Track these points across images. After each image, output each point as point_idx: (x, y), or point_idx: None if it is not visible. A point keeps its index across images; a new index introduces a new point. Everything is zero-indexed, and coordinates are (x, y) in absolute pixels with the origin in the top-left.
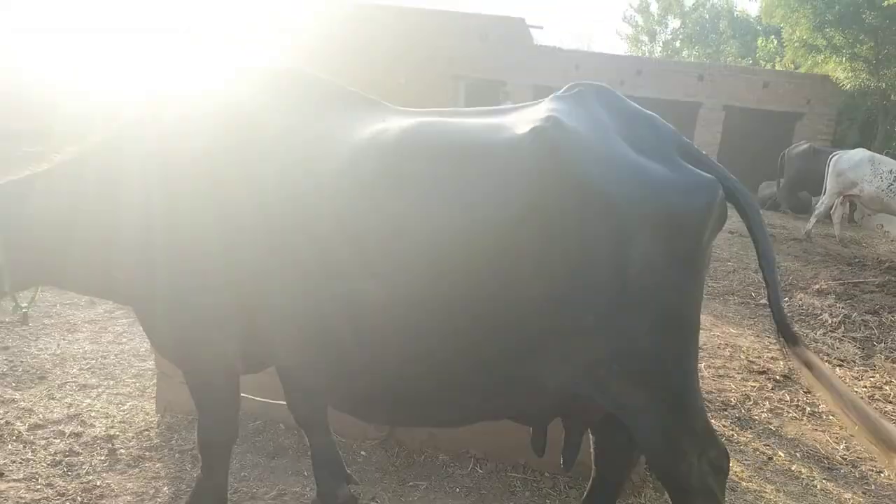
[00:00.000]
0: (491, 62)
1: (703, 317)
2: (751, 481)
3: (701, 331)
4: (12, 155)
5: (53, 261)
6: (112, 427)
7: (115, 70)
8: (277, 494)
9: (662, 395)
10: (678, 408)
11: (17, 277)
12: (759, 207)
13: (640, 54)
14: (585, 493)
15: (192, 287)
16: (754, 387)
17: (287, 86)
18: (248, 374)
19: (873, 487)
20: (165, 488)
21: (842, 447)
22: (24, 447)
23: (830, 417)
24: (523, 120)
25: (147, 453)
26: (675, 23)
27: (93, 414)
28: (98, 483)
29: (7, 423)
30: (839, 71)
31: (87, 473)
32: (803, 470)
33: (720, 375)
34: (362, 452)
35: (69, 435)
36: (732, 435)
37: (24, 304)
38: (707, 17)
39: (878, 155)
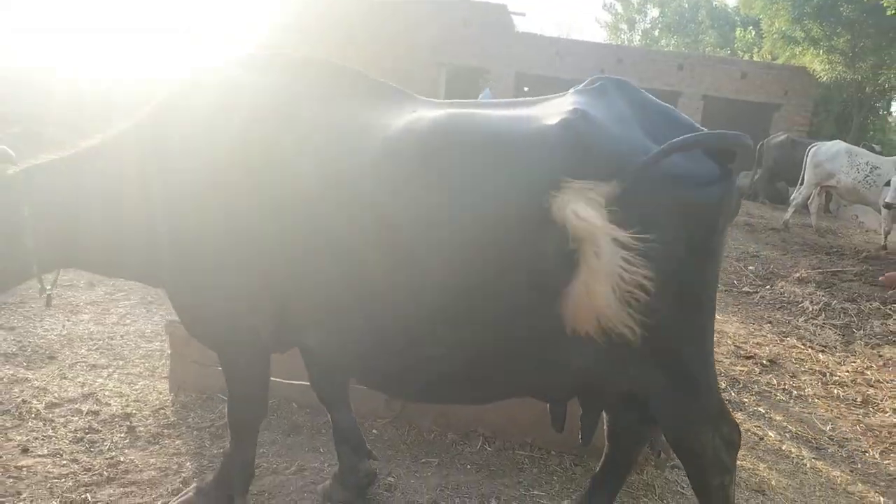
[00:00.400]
0: (473, 49)
1: None
2: (744, 460)
3: None
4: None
5: (84, 243)
6: (127, 406)
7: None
8: (297, 469)
9: (681, 374)
10: (695, 386)
11: (45, 260)
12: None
13: (619, 43)
14: (598, 468)
15: (227, 268)
16: (742, 371)
17: (316, 74)
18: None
19: (860, 466)
20: (188, 464)
21: (828, 428)
22: (45, 425)
23: (816, 401)
24: (551, 113)
25: (165, 430)
26: (654, 12)
27: (107, 393)
28: (122, 459)
29: (24, 401)
30: (816, 63)
31: (109, 450)
32: (793, 449)
33: None
34: (374, 430)
35: (87, 413)
36: None
37: (49, 287)
38: (686, 6)
39: (854, 147)
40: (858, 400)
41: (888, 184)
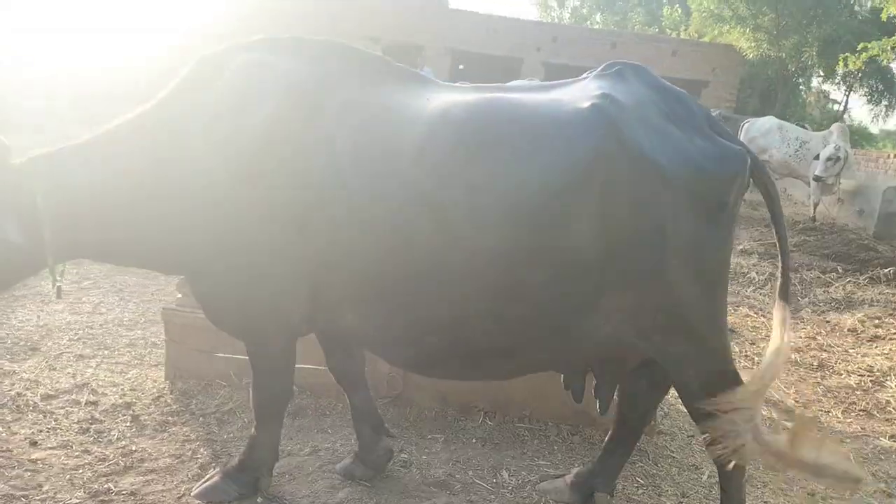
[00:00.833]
0: (406, 25)
1: None
2: None
3: None
4: None
5: (104, 233)
6: (125, 395)
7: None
8: (311, 451)
9: (700, 342)
10: (712, 354)
11: (60, 250)
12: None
13: (549, 20)
14: (608, 437)
15: (266, 253)
16: None
17: (341, 57)
18: None
19: (825, 425)
20: (202, 449)
21: (792, 391)
22: (46, 417)
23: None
24: (579, 97)
25: (170, 418)
26: None
27: (100, 383)
28: (133, 448)
29: (18, 394)
30: (742, 41)
31: (118, 439)
32: (763, 412)
33: None
34: None
35: (85, 404)
36: None
37: (59, 279)
38: None
39: (786, 123)
40: (815, 364)
41: (817, 157)
